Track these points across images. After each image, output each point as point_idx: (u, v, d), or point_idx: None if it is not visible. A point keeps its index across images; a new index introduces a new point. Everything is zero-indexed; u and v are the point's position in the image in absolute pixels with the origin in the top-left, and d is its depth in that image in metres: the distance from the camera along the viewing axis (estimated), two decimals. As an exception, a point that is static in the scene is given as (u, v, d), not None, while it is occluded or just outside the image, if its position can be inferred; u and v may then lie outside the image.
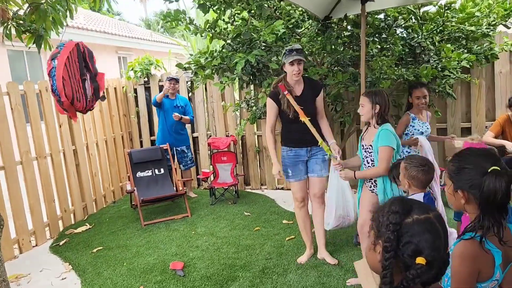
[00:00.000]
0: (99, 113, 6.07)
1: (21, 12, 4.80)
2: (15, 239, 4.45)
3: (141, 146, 6.75)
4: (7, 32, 4.72)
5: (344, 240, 4.11)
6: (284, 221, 4.77)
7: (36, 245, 4.70)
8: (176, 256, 4.02)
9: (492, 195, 1.38)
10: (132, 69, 6.70)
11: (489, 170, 1.41)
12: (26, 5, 4.65)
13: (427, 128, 3.96)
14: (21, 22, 4.77)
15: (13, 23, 4.71)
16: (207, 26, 4.95)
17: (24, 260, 4.29)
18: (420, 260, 1.08)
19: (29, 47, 5.03)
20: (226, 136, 6.28)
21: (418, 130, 3.87)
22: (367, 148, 3.10)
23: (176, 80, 5.77)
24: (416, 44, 4.20)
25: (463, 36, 4.17)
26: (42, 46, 4.85)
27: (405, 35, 4.54)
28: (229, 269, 3.65)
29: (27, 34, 4.81)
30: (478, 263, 1.39)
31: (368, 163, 3.11)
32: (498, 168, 1.40)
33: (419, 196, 2.45)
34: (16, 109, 4.57)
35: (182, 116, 5.76)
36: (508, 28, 4.09)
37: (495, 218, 1.40)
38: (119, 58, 11.83)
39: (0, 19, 4.60)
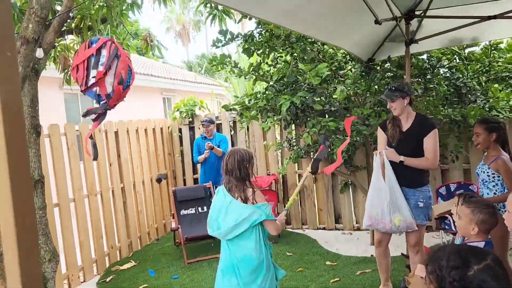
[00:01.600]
0: (146, 152, 6.32)
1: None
2: (65, 275, 4.60)
3: (184, 184, 6.91)
4: (67, 77, 5.11)
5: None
6: (328, 263, 4.68)
7: (84, 281, 4.83)
8: (220, 296, 4.01)
9: None
10: (177, 110, 6.98)
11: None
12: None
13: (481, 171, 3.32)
14: (79, 68, 5.16)
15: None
16: (251, 69, 5.15)
17: (73, 295, 4.41)
18: None
19: (85, 93, 5.40)
20: (268, 175, 6.33)
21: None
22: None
23: (209, 122, 5.91)
24: (462, 84, 4.18)
25: (511, 75, 4.12)
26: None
27: (448, 75, 4.54)
28: (274, 311, 3.60)
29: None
30: None
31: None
32: None
33: (480, 245, 2.28)
34: (71, 149, 4.86)
35: (214, 146, 5.83)
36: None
37: None
38: (163, 99, 12.35)
39: (61, 66, 5.00)
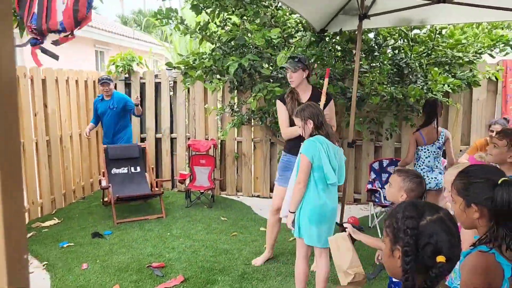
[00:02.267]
0: (76, 105, 5.88)
1: None
2: (-22, 229, 4.21)
3: (117, 142, 6.57)
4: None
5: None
6: (262, 228, 4.75)
7: (0, 237, 4.46)
8: (151, 257, 3.92)
9: (506, 205, 1.43)
10: (113, 64, 6.55)
11: (499, 182, 1.46)
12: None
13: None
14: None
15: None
16: (198, 28, 4.93)
17: (-13, 252, 4.05)
18: (441, 258, 1.11)
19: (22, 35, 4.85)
20: (206, 139, 6.22)
21: None
22: None
23: (109, 80, 5.55)
24: (404, 65, 4.34)
25: (449, 61, 4.34)
26: (25, 31, 4.68)
27: (392, 55, 4.69)
28: (207, 272, 3.59)
29: (14, 17, 4.64)
30: (490, 276, 1.43)
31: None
32: (508, 179, 1.46)
33: None
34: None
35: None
36: (493, 57, 4.29)
37: (509, 229, 1.45)
38: (96, 52, 11.56)
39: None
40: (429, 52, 4.32)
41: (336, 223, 3.94)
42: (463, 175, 1.60)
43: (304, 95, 3.47)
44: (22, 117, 4.86)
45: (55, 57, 3.04)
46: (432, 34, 4.30)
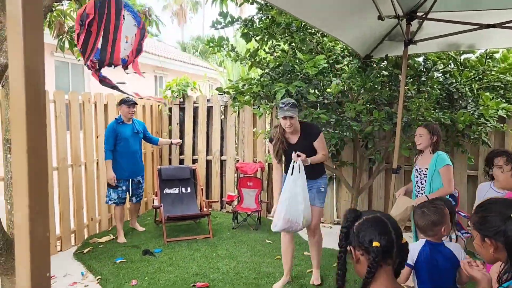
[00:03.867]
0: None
1: (76, 27, 5.10)
2: (42, 242, 4.56)
3: (170, 163, 6.88)
4: (61, 44, 5.01)
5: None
6: (306, 253, 4.74)
7: (61, 250, 4.81)
8: (197, 276, 4.05)
9: None
10: (169, 89, 6.92)
11: (511, 215, 1.44)
12: (82, 20, 4.96)
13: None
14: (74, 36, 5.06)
15: (67, 36, 5.01)
16: (247, 55, 5.13)
17: (49, 263, 4.38)
18: (375, 243, 1.38)
19: (79, 60, 5.31)
20: (254, 162, 6.35)
21: None
22: (422, 171, 3.58)
23: (136, 103, 5.24)
24: (454, 90, 4.24)
25: (502, 85, 4.19)
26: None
27: (442, 79, 4.59)
28: (249, 295, 3.65)
29: (79, 47, 5.09)
30: None
31: (422, 184, 3.58)
32: None
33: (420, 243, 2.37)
34: (59, 117, 4.79)
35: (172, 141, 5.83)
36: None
37: None
38: (155, 77, 12.23)
39: (56, 31, 4.90)
40: (480, 76, 4.19)
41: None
42: (479, 209, 1.60)
43: (294, 137, 3.67)
44: (86, 139, 5.27)
45: (115, 87, 3.36)
46: (482, 59, 4.18)
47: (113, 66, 3.38)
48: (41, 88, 0.62)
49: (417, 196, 3.66)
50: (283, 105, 3.44)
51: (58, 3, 4.54)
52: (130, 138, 5.16)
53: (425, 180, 3.55)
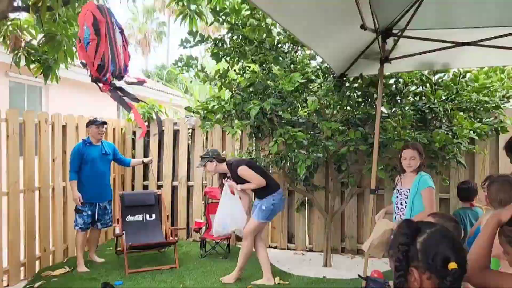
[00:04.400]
0: (95, 151, 5.87)
1: (34, 42, 4.79)
2: (-14, 276, 4.07)
3: (133, 189, 6.50)
4: (17, 60, 4.66)
5: None
6: (279, 281, 4.47)
7: (8, 286, 4.30)
8: (163, 310, 3.68)
9: None
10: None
11: None
12: (40, 35, 4.66)
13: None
14: (32, 51, 4.74)
15: (24, 52, 4.68)
16: (217, 75, 4.97)
17: (-7, 301, 3.89)
18: (453, 265, 1.13)
19: (36, 76, 4.96)
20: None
21: None
22: (403, 191, 3.49)
23: (106, 123, 5.06)
24: (428, 110, 4.22)
25: (474, 106, 4.21)
26: (50, 77, 4.80)
27: (414, 100, 4.59)
28: (222, 329, 3.33)
29: (36, 64, 4.77)
30: None
31: (402, 205, 3.48)
32: None
33: None
34: (12, 138, 4.39)
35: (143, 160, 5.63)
36: (522, 102, 4.16)
37: None
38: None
39: (12, 46, 4.56)
40: (453, 97, 4.21)
41: (359, 275, 3.70)
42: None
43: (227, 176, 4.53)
44: (41, 162, 4.86)
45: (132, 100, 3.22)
46: (456, 78, 4.22)
47: (118, 78, 3.22)
48: None
49: (396, 219, 3.55)
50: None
51: (15, 11, 4.24)
52: (97, 160, 4.93)
53: (406, 201, 3.42)
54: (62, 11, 4.45)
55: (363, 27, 2.63)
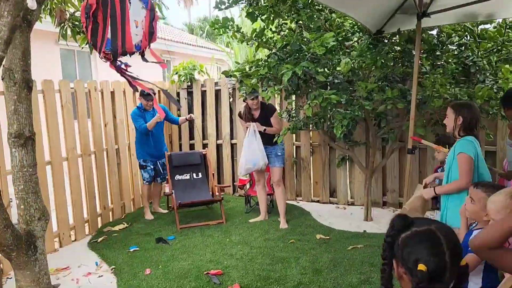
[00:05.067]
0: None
1: (78, 14, 4.99)
2: (56, 233, 4.58)
3: (180, 149, 6.83)
4: (63, 32, 4.90)
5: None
6: (320, 236, 4.67)
7: (75, 240, 4.82)
8: (210, 263, 4.01)
9: None
10: (176, 73, 6.81)
11: None
12: (83, 7, 4.84)
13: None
14: (76, 23, 4.96)
15: (69, 24, 4.90)
16: (254, 35, 4.97)
17: (63, 254, 4.41)
18: (421, 267, 1.15)
19: (82, 47, 5.22)
20: (265, 144, 6.24)
21: None
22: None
23: (152, 97, 5.14)
24: (471, 63, 4.04)
25: (522, 57, 3.98)
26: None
27: (457, 53, 4.38)
28: (263, 281, 3.60)
29: (81, 35, 5.00)
30: None
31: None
32: None
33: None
34: (65, 107, 4.73)
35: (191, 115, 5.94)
36: None
37: None
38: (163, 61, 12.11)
39: (58, 19, 4.79)
40: (498, 48, 3.98)
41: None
42: None
43: (256, 112, 4.97)
44: (94, 128, 5.23)
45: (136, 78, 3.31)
46: (501, 29, 3.96)
47: (128, 55, 3.29)
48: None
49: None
50: (254, 91, 4.70)
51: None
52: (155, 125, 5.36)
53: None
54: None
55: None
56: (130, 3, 3.01)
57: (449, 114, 2.93)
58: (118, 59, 3.20)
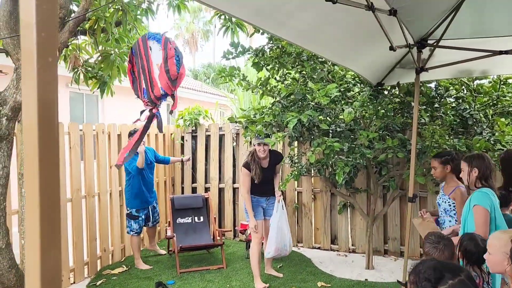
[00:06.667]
0: (147, 157, 6.30)
1: (91, 60, 5.23)
2: (56, 274, 4.54)
3: (182, 192, 6.88)
4: (76, 77, 5.12)
5: None
6: (321, 283, 4.64)
7: (74, 283, 4.78)
8: (211, 309, 3.97)
9: None
10: (181, 118, 6.99)
11: None
12: (96, 54, 5.09)
13: (442, 201, 3.54)
14: (89, 69, 5.19)
15: (82, 69, 5.13)
16: (259, 83, 5.17)
17: (62, 297, 4.36)
18: None
19: (93, 92, 5.42)
20: (267, 190, 6.30)
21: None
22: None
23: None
24: (468, 116, 4.20)
25: (517, 111, 4.14)
26: (105, 91, 5.23)
27: (455, 105, 4.56)
28: (264, 329, 3.55)
29: (93, 80, 5.21)
30: None
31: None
32: None
33: None
34: (74, 148, 4.84)
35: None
36: None
37: None
38: (167, 105, 12.38)
39: (72, 65, 5.02)
40: (494, 102, 4.15)
41: (398, 281, 3.78)
42: None
43: (265, 161, 4.65)
44: (99, 170, 5.32)
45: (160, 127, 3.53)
46: (496, 84, 4.15)
47: (164, 99, 3.43)
48: (55, 122, 0.62)
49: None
50: (257, 136, 4.53)
51: (74, 38, 4.67)
52: (146, 169, 5.29)
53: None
54: (114, 32, 4.84)
55: (392, 48, 2.71)
56: (151, 49, 3.22)
57: (463, 167, 2.93)
58: (156, 105, 3.41)
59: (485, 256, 2.09)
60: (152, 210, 5.43)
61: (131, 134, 5.11)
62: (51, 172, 0.62)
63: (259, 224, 4.62)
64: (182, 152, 6.97)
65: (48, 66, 0.60)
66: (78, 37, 4.87)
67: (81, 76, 5.16)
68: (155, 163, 5.63)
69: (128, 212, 5.25)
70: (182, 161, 6.10)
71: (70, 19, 3.77)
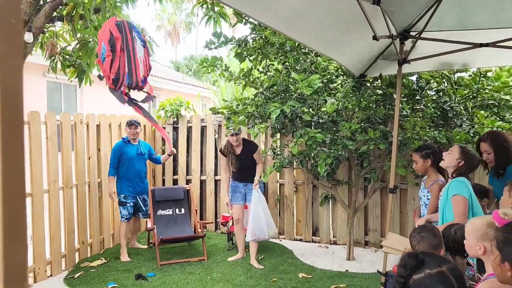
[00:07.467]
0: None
1: (69, 48, 5.09)
2: (31, 268, 4.43)
3: (163, 184, 6.80)
4: (53, 65, 4.98)
5: None
6: (302, 275, 4.65)
7: (51, 275, 4.67)
8: (191, 301, 3.93)
9: None
10: (163, 109, 6.89)
11: None
12: (75, 42, 4.95)
13: (422, 195, 3.55)
14: (67, 57, 5.04)
15: (59, 57, 4.98)
16: (241, 74, 5.12)
17: (38, 290, 4.25)
18: None
19: (71, 81, 5.28)
20: (249, 182, 6.27)
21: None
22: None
23: (136, 125, 5.29)
24: (449, 108, 4.24)
25: (496, 104, 4.20)
26: (84, 80, 5.10)
27: (436, 98, 4.60)
28: (245, 320, 3.54)
29: (71, 68, 5.07)
30: None
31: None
32: None
33: None
34: (50, 139, 4.71)
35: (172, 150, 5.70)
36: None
37: None
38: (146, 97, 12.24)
39: (48, 52, 4.87)
40: (474, 95, 4.21)
41: (378, 271, 3.81)
42: (507, 229, 1.54)
43: (238, 149, 5.01)
44: (77, 160, 5.19)
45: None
46: (476, 77, 4.20)
47: (138, 89, 3.43)
48: (19, 109, 0.56)
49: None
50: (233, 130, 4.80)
51: (50, 24, 4.52)
52: (134, 158, 5.31)
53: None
54: (93, 19, 4.71)
55: (375, 37, 2.70)
56: (135, 41, 3.18)
57: (454, 152, 2.97)
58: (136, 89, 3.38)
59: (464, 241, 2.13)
60: (142, 202, 5.45)
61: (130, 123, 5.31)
62: (15, 163, 0.57)
63: (237, 208, 5.09)
64: (163, 144, 6.88)
65: (11, 30, 0.54)
66: (55, 23, 4.73)
67: (59, 65, 5.02)
68: (146, 159, 5.55)
69: (118, 198, 5.30)
70: (169, 156, 5.99)
71: (46, 2, 3.64)
